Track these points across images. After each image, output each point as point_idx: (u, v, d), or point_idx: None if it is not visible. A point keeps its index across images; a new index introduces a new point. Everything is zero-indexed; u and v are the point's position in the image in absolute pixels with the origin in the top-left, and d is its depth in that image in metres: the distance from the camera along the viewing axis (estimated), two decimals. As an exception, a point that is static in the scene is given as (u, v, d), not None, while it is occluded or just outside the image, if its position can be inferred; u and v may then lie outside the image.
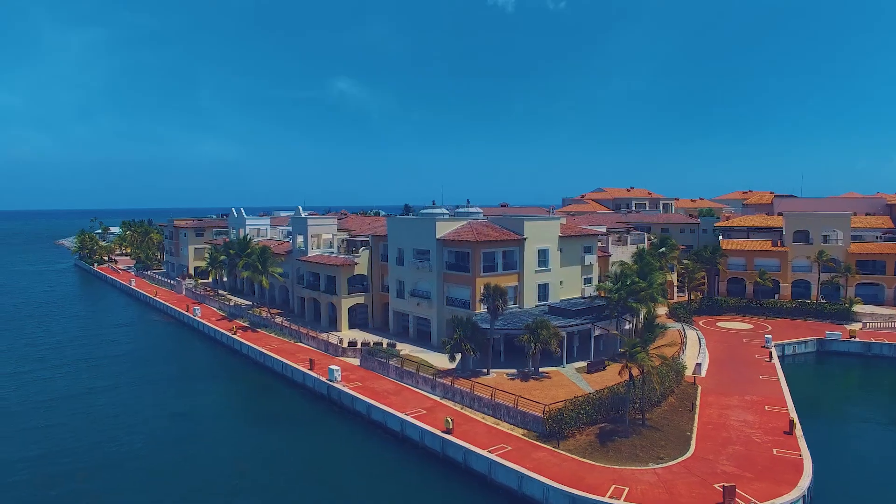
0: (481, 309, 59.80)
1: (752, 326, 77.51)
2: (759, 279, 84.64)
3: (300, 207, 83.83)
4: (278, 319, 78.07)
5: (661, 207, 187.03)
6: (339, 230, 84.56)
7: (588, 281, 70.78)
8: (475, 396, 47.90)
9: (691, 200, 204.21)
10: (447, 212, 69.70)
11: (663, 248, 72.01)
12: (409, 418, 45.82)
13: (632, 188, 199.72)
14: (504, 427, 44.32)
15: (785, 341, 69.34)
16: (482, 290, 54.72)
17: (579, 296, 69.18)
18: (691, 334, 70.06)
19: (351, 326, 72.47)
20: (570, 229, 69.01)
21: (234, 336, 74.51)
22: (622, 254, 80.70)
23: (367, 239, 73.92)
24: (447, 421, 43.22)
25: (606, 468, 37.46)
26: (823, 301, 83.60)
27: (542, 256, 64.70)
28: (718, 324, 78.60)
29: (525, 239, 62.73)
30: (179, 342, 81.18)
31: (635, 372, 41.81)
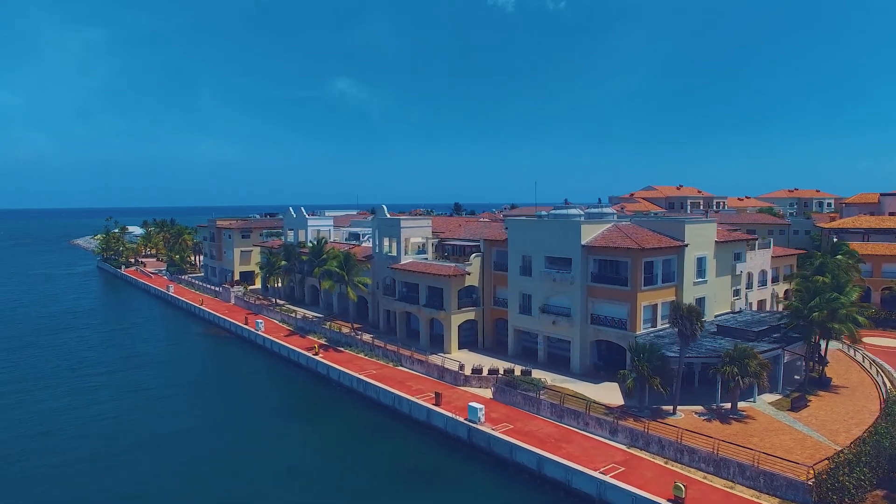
0: (641, 330, 49.76)
1: (908, 343, 67.29)
2: (898, 287, 74.59)
3: (384, 206, 73.40)
4: (366, 337, 67.64)
5: (713, 206, 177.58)
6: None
7: (737, 293, 60.66)
8: (684, 448, 37.68)
9: (738, 199, 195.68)
10: (582, 213, 59.10)
11: (839, 256, 61.28)
12: (610, 479, 35.61)
13: (681, 186, 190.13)
14: (743, 492, 34.14)
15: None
16: (671, 310, 44.16)
17: (729, 310, 59.14)
18: (858, 356, 59.92)
19: (459, 346, 62.00)
20: (722, 234, 58.82)
21: (316, 357, 64.10)
22: (751, 260, 70.54)
23: (478, 244, 63.30)
24: (678, 487, 33.06)
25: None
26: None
27: (700, 266, 54.57)
28: (864, 339, 68.28)
29: (686, 245, 52.53)
30: (248, 365, 70.16)
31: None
